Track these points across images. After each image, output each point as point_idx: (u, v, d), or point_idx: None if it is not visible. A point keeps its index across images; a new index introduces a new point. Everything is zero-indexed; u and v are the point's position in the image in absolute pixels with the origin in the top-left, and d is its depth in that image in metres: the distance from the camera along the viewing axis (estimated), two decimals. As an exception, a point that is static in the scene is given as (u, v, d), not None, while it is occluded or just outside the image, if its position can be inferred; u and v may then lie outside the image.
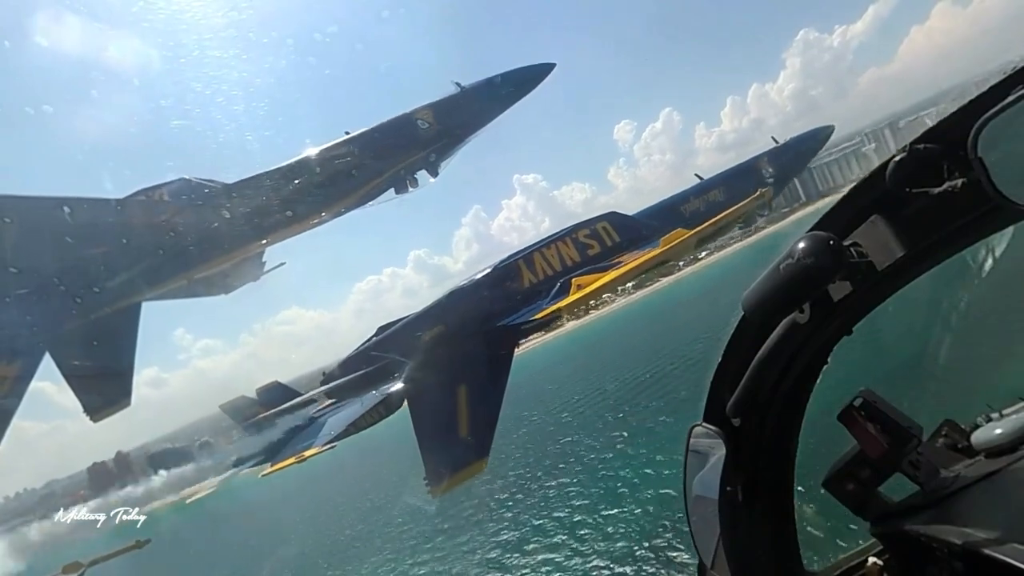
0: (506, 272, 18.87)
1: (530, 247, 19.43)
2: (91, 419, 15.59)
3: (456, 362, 17.41)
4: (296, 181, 16.44)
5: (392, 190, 17.73)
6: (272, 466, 18.59)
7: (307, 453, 17.84)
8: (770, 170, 20.65)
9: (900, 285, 1.80)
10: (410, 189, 17.88)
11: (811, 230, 1.73)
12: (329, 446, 17.70)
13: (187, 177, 16.16)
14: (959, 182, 1.49)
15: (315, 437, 18.27)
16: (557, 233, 19.57)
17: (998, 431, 2.27)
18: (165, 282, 16.39)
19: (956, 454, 2.38)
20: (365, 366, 18.32)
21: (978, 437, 2.34)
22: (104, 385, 15.76)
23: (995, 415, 2.39)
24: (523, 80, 18.39)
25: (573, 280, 17.69)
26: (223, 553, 57.02)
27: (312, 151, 16.93)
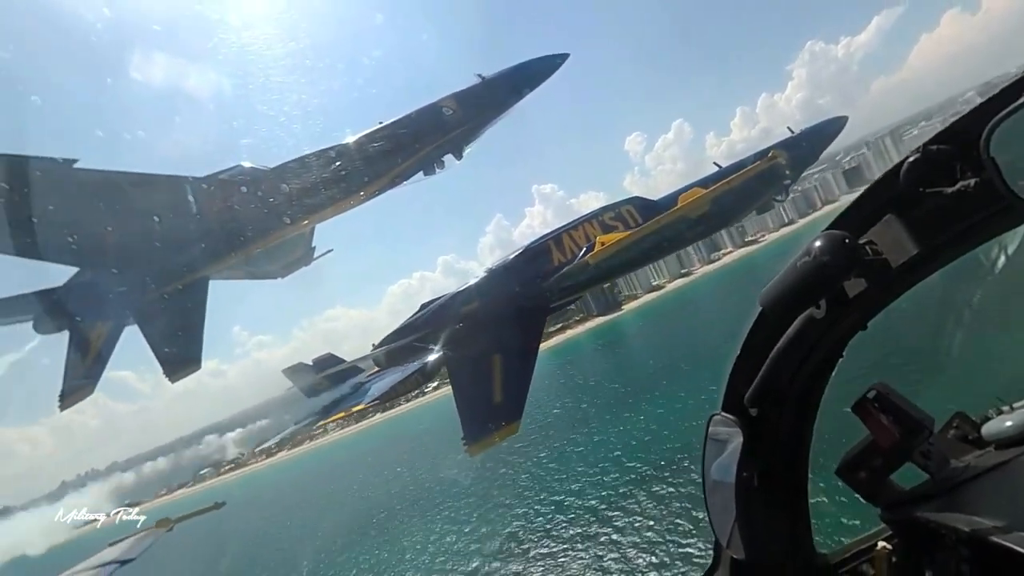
0: (537, 252, 19.16)
1: (559, 229, 19.60)
2: (169, 379, 16.40)
3: (491, 333, 17.75)
4: (336, 163, 16.91)
5: (421, 172, 18.11)
6: (325, 419, 20.35)
7: (355, 408, 19.13)
8: (784, 158, 20.19)
9: (914, 282, 1.76)
10: (437, 171, 18.22)
11: (827, 229, 1.71)
12: (374, 402, 18.89)
13: (243, 164, 17.00)
14: (972, 182, 1.46)
15: (363, 399, 19.35)
16: (584, 216, 19.70)
17: (1008, 423, 2.21)
18: (230, 255, 17.11)
19: (967, 445, 2.32)
20: (410, 336, 18.75)
21: (988, 429, 2.28)
22: (179, 349, 16.57)
23: (1006, 408, 2.32)
24: (538, 70, 18.56)
25: (597, 239, 18.05)
26: (284, 516, 58.94)
27: (351, 137, 17.47)
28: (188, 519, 14.52)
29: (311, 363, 21.13)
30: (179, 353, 16.57)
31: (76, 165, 14.27)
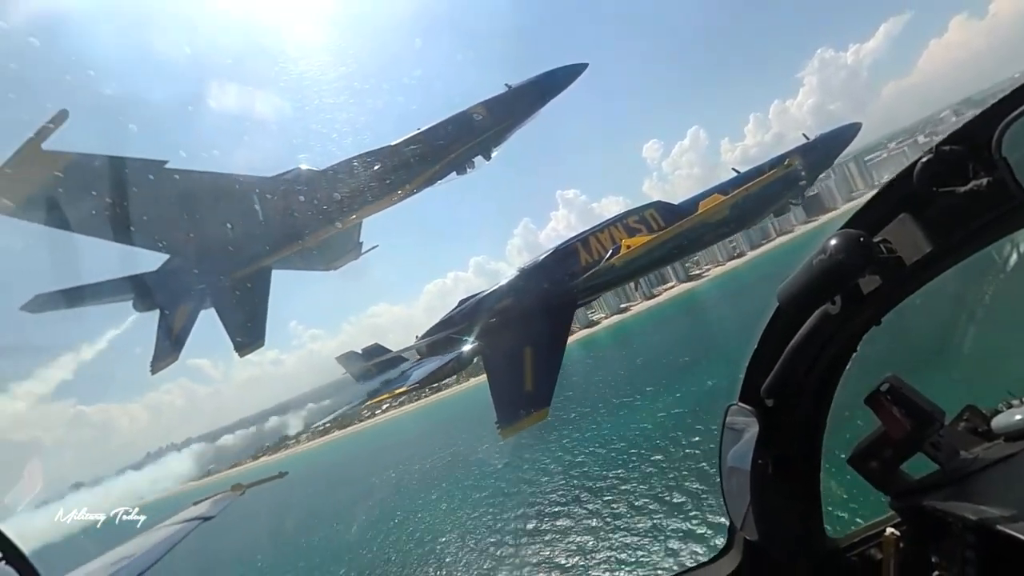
0: (566, 253, 19.13)
1: (586, 231, 19.53)
2: (238, 354, 17.45)
3: (523, 327, 17.84)
4: (380, 165, 17.36)
5: (454, 172, 18.49)
6: (371, 400, 21.38)
7: (398, 391, 20.12)
8: (799, 163, 19.56)
9: (927, 279, 1.69)
10: (468, 171, 18.55)
11: (843, 227, 1.65)
12: (415, 386, 19.74)
13: (299, 167, 17.71)
14: (984, 181, 1.40)
15: (405, 383, 20.24)
16: (609, 219, 19.60)
17: (1018, 416, 2.14)
18: (290, 246, 17.86)
19: (976, 437, 2.23)
20: (449, 330, 19.01)
21: (998, 422, 2.19)
22: (247, 328, 17.54)
23: (1015, 402, 2.24)
24: (559, 79, 18.65)
25: (623, 242, 18.00)
26: (340, 487, 60.80)
27: (392, 142, 17.88)
28: (257, 485, 15.19)
29: (360, 352, 21.76)
30: (247, 331, 17.54)
31: (166, 166, 15.10)
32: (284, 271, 19.56)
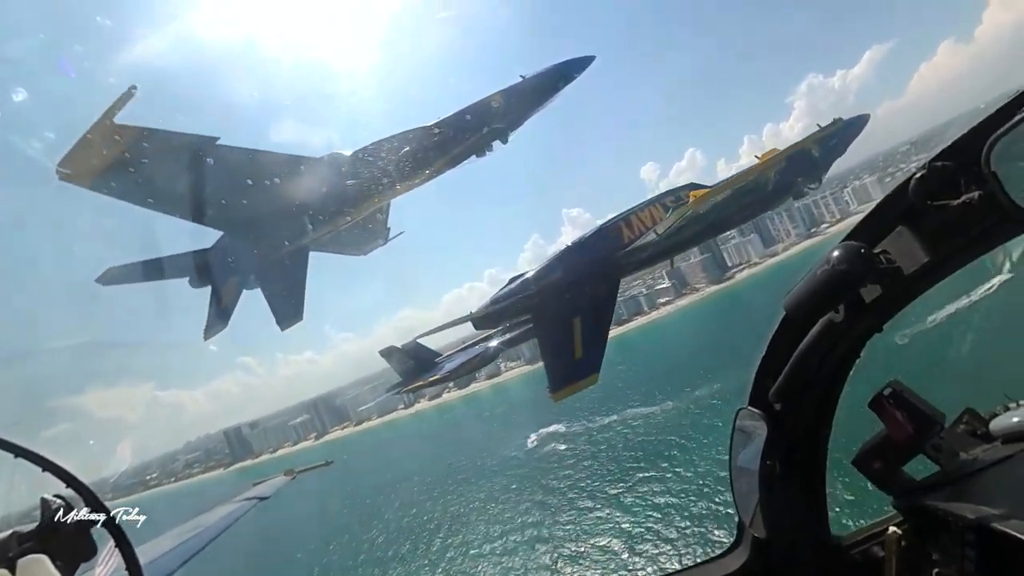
0: (611, 230, 18.80)
1: (627, 211, 19.19)
2: (280, 328, 17.59)
3: (572, 298, 17.65)
4: (407, 147, 17.25)
5: (474, 156, 18.38)
6: (407, 387, 22.20)
7: (431, 379, 21.05)
8: (817, 148, 18.75)
9: (926, 288, 1.67)
10: (487, 153, 18.47)
11: (845, 240, 1.64)
12: (444, 376, 20.60)
13: (334, 152, 17.66)
14: (976, 195, 1.39)
15: (438, 373, 21.19)
16: (648, 200, 19.42)
17: (1015, 419, 2.05)
18: (332, 223, 17.92)
19: (975, 439, 2.14)
20: (502, 304, 18.88)
21: (996, 424, 2.11)
22: (288, 304, 17.76)
23: (1013, 405, 2.15)
24: (569, 70, 18.44)
25: (690, 194, 17.52)
26: (380, 471, 61.78)
27: (416, 127, 17.73)
28: (306, 472, 15.33)
29: (400, 347, 22.34)
30: (288, 307, 17.74)
31: (218, 143, 15.01)
32: (318, 255, 19.59)
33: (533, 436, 49.69)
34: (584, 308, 17.36)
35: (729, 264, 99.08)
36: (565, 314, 17.32)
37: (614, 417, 44.85)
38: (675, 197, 18.64)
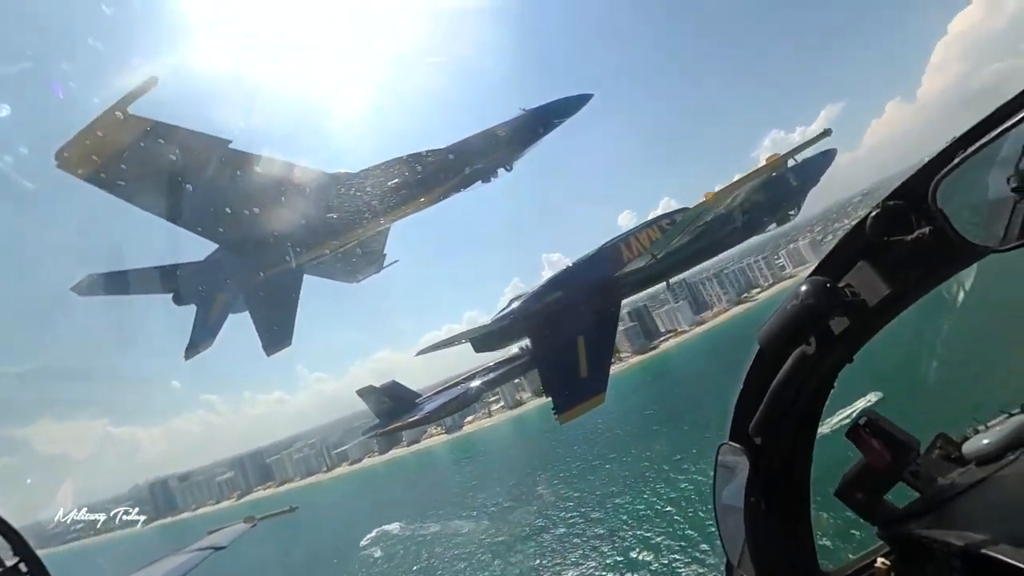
0: (610, 250, 18.75)
1: (625, 233, 19.27)
2: (266, 353, 16.59)
3: (574, 318, 17.25)
4: (408, 172, 16.98)
5: (480, 181, 18.38)
6: (383, 430, 20.77)
7: (410, 420, 19.52)
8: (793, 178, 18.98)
9: (890, 318, 1.73)
10: (492, 180, 18.52)
11: (811, 275, 1.70)
12: (422, 417, 19.40)
13: (344, 171, 17.05)
14: (927, 230, 1.48)
15: (418, 414, 19.73)
16: (644, 223, 19.57)
17: (985, 441, 2.11)
18: (331, 241, 17.17)
19: (950, 463, 2.18)
20: (503, 323, 18.43)
21: (968, 447, 2.16)
22: (276, 328, 16.83)
23: (981, 427, 2.22)
24: (568, 106, 18.83)
25: (705, 194, 16.88)
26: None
27: (423, 150, 17.52)
28: (268, 519, 14.30)
29: (379, 387, 21.37)
30: (277, 331, 16.81)
31: (230, 146, 14.27)
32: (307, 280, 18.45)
33: (373, 532, 48.24)
34: (588, 326, 17.05)
35: (661, 330, 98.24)
36: (569, 332, 16.95)
37: (436, 528, 44.41)
38: (670, 220, 18.88)
